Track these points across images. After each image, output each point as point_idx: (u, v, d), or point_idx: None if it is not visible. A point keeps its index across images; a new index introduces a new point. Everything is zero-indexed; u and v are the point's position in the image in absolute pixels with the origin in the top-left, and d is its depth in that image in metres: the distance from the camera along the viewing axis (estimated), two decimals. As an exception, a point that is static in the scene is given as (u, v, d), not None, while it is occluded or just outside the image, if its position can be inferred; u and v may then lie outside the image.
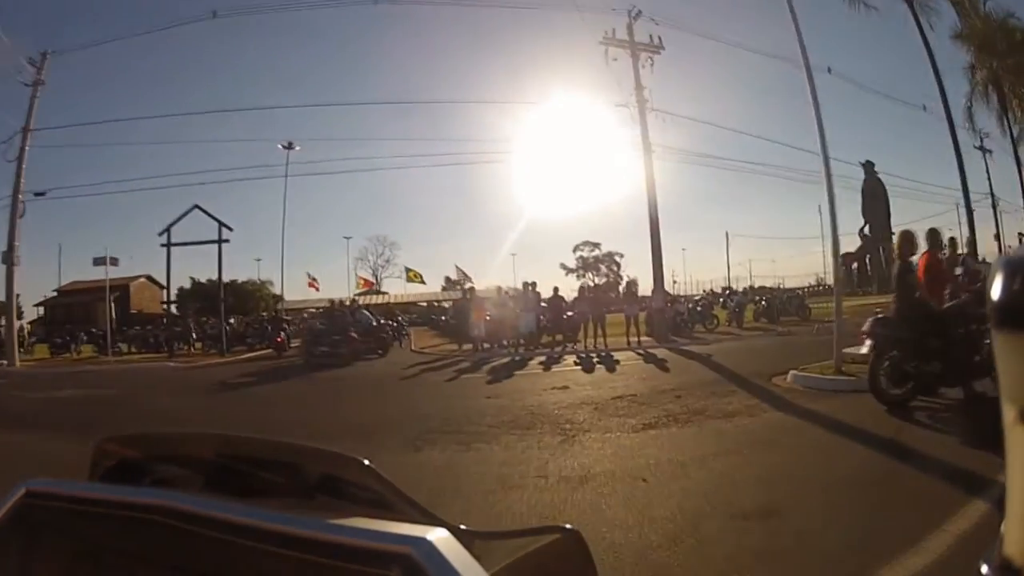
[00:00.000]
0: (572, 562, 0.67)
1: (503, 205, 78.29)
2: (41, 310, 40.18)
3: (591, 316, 15.58)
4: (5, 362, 17.04)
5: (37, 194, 19.28)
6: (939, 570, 2.41)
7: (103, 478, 0.79)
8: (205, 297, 35.88)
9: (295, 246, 68.24)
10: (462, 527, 0.61)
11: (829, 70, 20.94)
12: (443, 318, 26.04)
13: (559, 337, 16.05)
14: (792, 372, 7.73)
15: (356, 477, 0.68)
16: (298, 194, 68.36)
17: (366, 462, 0.67)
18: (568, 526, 0.68)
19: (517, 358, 13.42)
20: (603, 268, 49.09)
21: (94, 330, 23.75)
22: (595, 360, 12.21)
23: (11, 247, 18.07)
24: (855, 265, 36.01)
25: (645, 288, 18.21)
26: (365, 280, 44.98)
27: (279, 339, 17.25)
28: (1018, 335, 0.37)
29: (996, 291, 0.38)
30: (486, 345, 15.66)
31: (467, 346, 15.81)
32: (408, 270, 40.80)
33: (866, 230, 36.50)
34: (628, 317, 15.69)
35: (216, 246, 20.85)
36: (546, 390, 8.29)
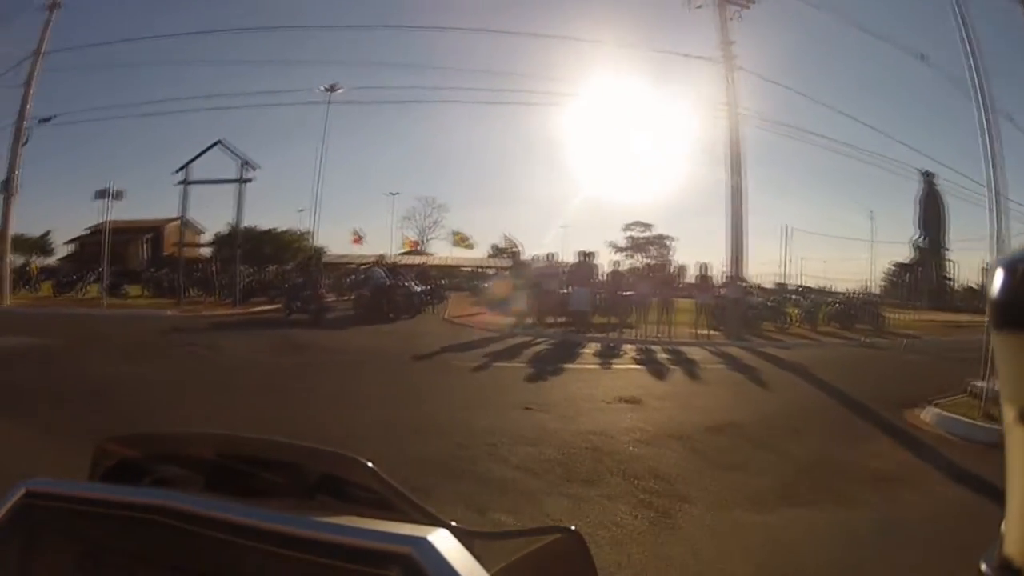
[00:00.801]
0: (572, 562, 0.67)
1: (557, 175, 75.32)
2: (73, 247, 39.39)
3: (656, 299, 13.58)
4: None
5: (42, 120, 18.19)
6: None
7: (103, 478, 0.79)
8: (243, 243, 36.00)
9: (339, 200, 66.20)
10: (463, 527, 0.61)
11: (923, 56, 17.69)
12: (485, 285, 24.65)
13: (613, 320, 13.80)
14: (931, 410, 6.19)
15: (356, 477, 0.68)
16: (343, 146, 66.39)
17: (367, 462, 0.67)
18: (568, 526, 0.68)
19: (567, 343, 11.63)
20: (652, 250, 46.06)
21: (114, 270, 22.89)
22: (663, 356, 10.28)
23: (11, 176, 17.01)
24: (907, 276, 34.78)
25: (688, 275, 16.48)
26: (411, 241, 44.46)
27: (320, 293, 15.08)
28: (1018, 335, 0.37)
29: (996, 291, 0.38)
30: (529, 321, 13.64)
31: (508, 319, 13.78)
32: (455, 234, 40.77)
33: (921, 242, 35.54)
34: (700, 305, 13.62)
35: (239, 187, 19.14)
36: (609, 403, 6.24)
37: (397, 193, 49.19)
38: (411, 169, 72.88)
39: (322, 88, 26.52)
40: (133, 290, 20.47)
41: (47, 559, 0.72)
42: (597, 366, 9.17)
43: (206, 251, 30.30)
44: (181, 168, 18.68)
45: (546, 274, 14.73)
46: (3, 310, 15.49)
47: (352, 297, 17.37)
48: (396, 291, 15.82)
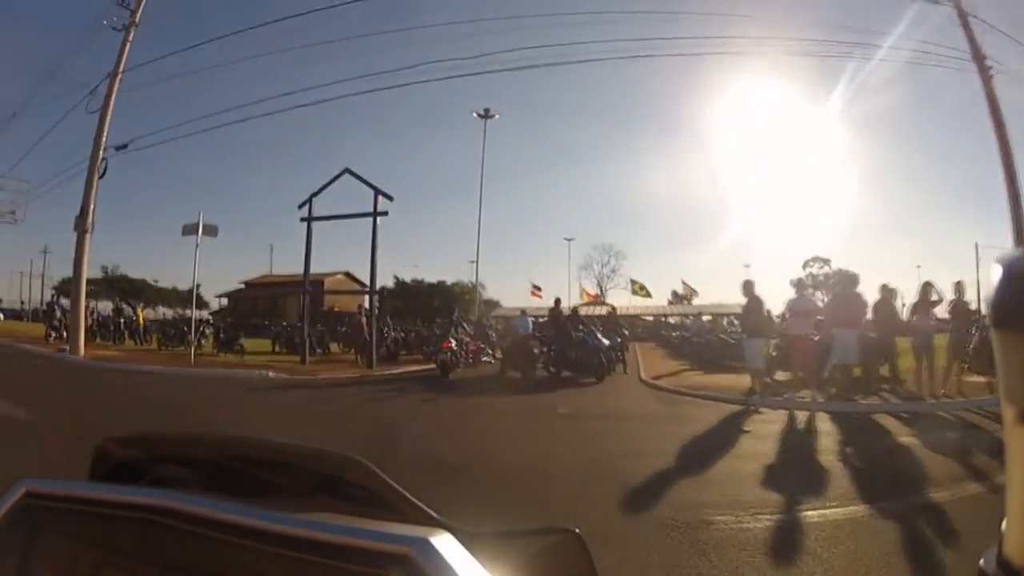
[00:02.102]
0: (572, 563, 0.67)
1: (729, 218, 71.03)
2: (224, 301, 39.51)
3: (914, 342, 9.10)
4: (68, 348, 14.84)
5: (118, 148, 16.21)
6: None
7: (103, 478, 0.79)
8: (407, 296, 34.38)
9: (513, 251, 66.31)
10: (462, 528, 0.61)
11: None
12: (674, 334, 22.06)
13: (882, 372, 9.79)
14: None
15: (356, 477, 0.68)
16: (513, 193, 66.09)
17: (367, 463, 0.67)
18: (568, 527, 0.68)
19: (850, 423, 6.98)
20: (834, 287, 43.99)
21: (266, 324, 21.22)
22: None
23: (84, 211, 15.02)
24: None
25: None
26: (588, 293, 41.77)
27: (445, 344, 12.96)
28: (1018, 335, 0.37)
29: (996, 291, 0.38)
30: (768, 380, 9.50)
31: (729, 380, 10.32)
32: (633, 282, 39.58)
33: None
34: (955, 345, 9.01)
35: (372, 222, 15.29)
36: None
37: (572, 239, 47.30)
38: (583, 216, 70.12)
39: (476, 114, 25.61)
40: (259, 345, 17.96)
41: (47, 559, 0.72)
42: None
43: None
44: (305, 202, 16.00)
45: (798, 311, 9.48)
46: (61, 360, 13.87)
47: (503, 350, 14.24)
48: (580, 347, 11.94)
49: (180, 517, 0.63)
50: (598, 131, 62.60)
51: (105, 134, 15.61)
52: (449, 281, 35.59)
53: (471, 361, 14.76)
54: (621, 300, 42.00)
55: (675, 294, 42.77)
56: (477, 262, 31.89)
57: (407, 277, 34.56)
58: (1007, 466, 0.40)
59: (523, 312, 15.54)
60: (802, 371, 9.30)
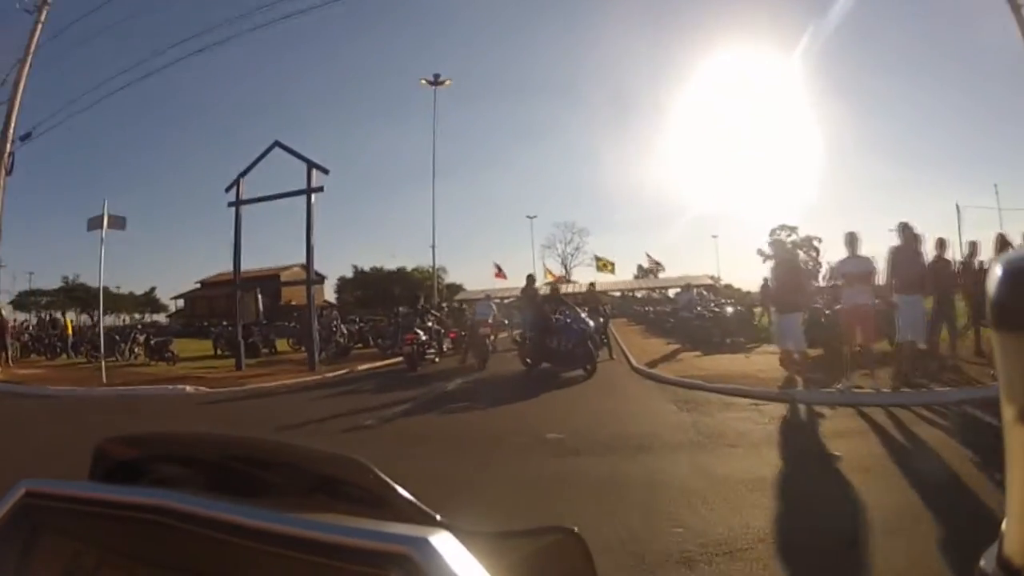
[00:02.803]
0: (572, 563, 0.67)
1: (693, 189, 75.16)
2: (181, 303, 38.08)
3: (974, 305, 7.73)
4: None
5: (23, 138, 14.68)
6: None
7: (103, 478, 0.79)
8: (366, 286, 32.03)
9: (474, 234, 67.50)
10: (463, 528, 0.61)
11: None
12: (648, 309, 20.15)
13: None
14: None
15: (356, 477, 0.68)
16: (473, 175, 66.29)
17: (366, 463, 0.67)
18: (568, 527, 0.68)
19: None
20: (801, 254, 40.82)
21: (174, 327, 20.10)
22: None
23: None
24: None
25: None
26: (552, 273, 40.25)
27: (408, 338, 11.99)
28: (1018, 335, 0.37)
29: (996, 291, 0.38)
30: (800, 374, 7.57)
31: (747, 360, 8.87)
32: (598, 259, 38.91)
33: None
34: (978, 308, 7.93)
35: (307, 200, 13.64)
36: None
37: (535, 216, 47.59)
38: (548, 196, 72.27)
39: (425, 81, 23.17)
40: (200, 348, 16.80)
41: (47, 559, 0.72)
42: None
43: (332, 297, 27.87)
44: (233, 184, 14.14)
45: (853, 274, 7.24)
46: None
47: (464, 337, 13.21)
48: (563, 333, 10.00)
49: (180, 517, 0.64)
50: (556, 107, 63.17)
51: (12, 127, 14.24)
52: (410, 267, 34.75)
53: (449, 350, 13.69)
54: (586, 278, 42.26)
55: (641, 268, 42.64)
56: (434, 246, 28.92)
57: (366, 265, 33.84)
58: (1007, 466, 0.40)
59: (487, 296, 14.84)
60: (860, 350, 7.30)
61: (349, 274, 32.82)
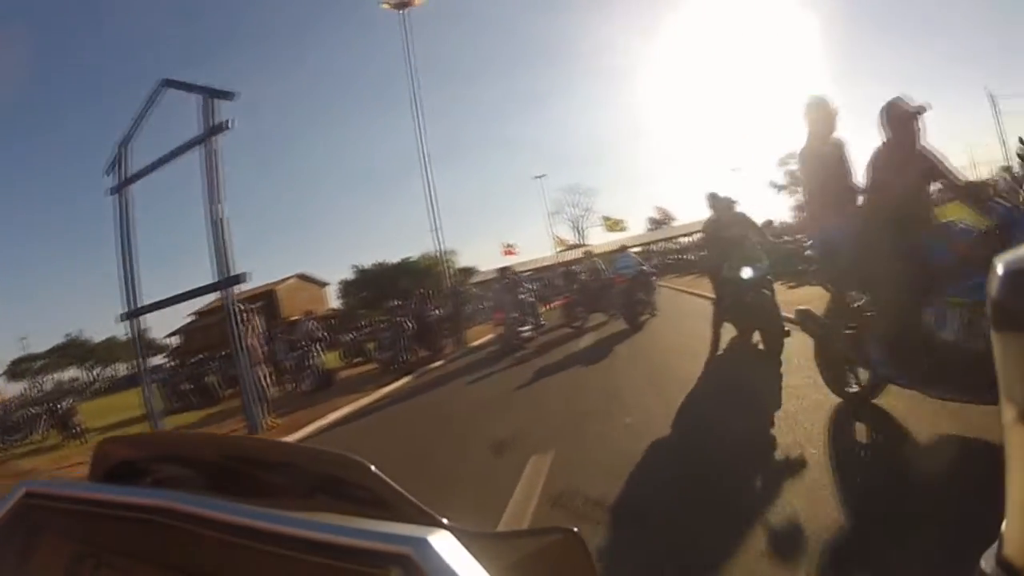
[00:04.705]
0: (572, 564, 0.67)
1: (698, 123, 72.93)
2: (177, 339, 33.45)
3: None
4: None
5: None
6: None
7: (103, 478, 0.79)
8: (371, 285, 28.23)
9: (480, 213, 63.54)
10: (463, 528, 0.61)
11: None
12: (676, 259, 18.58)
13: None
14: None
15: (356, 478, 0.68)
16: (469, 155, 62.07)
17: (367, 463, 0.67)
18: (568, 527, 0.68)
19: None
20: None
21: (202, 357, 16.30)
22: None
23: None
24: None
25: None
26: (562, 240, 39.52)
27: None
28: (1018, 335, 0.37)
29: (996, 291, 0.38)
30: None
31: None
32: (606, 219, 37.56)
33: None
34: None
35: (205, 147, 9.11)
36: None
37: (543, 175, 44.92)
38: (551, 160, 68.83)
39: (386, 5, 18.92)
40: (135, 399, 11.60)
41: (47, 559, 0.72)
42: None
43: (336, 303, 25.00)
44: (113, 163, 10.09)
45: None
46: None
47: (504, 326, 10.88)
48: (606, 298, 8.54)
49: (180, 517, 0.64)
50: (553, 69, 61.67)
51: None
52: (416, 257, 31.76)
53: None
54: (597, 239, 40.63)
55: (652, 221, 41.87)
56: (436, 229, 24.05)
57: (367, 263, 31.04)
58: (1007, 466, 0.40)
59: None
60: None
61: (351, 276, 31.26)
